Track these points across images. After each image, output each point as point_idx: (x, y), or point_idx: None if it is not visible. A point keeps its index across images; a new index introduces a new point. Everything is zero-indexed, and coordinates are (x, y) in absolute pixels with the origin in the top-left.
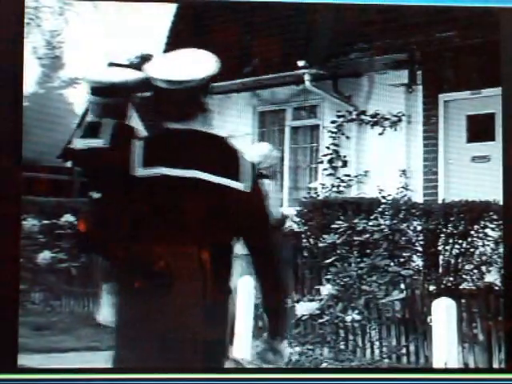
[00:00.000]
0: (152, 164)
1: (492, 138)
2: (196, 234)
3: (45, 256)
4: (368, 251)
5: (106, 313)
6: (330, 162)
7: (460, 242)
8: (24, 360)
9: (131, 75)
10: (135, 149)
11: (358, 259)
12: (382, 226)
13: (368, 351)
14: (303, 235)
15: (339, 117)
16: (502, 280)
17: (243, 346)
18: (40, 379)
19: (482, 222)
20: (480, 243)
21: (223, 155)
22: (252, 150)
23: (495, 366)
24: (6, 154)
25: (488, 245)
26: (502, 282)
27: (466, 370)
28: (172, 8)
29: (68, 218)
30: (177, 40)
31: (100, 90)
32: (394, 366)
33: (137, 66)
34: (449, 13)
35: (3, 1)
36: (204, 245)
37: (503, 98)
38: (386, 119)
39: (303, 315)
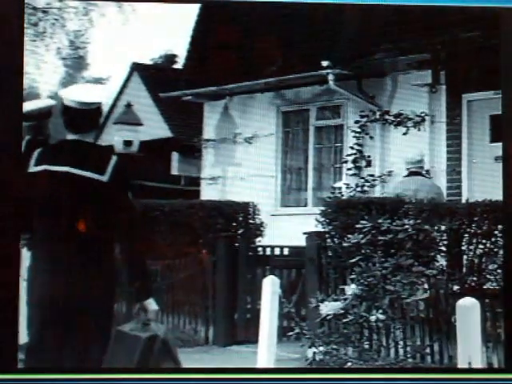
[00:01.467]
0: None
1: None
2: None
3: None
4: (392, 251)
5: None
6: (354, 161)
7: (484, 241)
8: None
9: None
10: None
11: (383, 259)
12: (406, 226)
13: (392, 351)
14: (327, 235)
15: (363, 117)
16: (502, 280)
17: (268, 346)
18: (40, 379)
19: None
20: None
21: (93, 156)
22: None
23: None
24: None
25: None
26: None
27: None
28: (195, 9)
29: None
30: (200, 40)
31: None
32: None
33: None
34: (472, 13)
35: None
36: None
37: (503, 99)
38: (410, 119)
39: (328, 315)
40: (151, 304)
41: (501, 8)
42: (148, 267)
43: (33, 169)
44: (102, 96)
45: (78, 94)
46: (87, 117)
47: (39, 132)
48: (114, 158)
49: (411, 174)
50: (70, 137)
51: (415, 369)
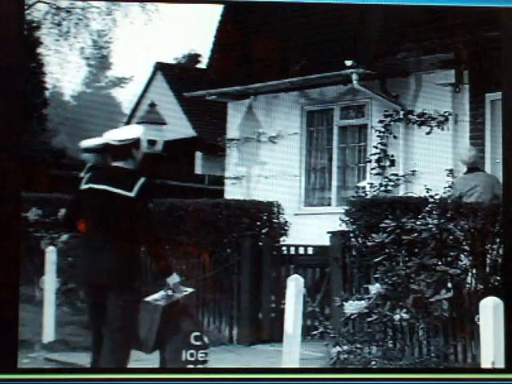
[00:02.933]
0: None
1: None
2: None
3: None
4: (416, 250)
5: None
6: (378, 161)
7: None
8: None
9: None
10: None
11: (406, 258)
12: (430, 225)
13: (416, 350)
14: (351, 234)
15: (386, 116)
16: (502, 281)
17: (293, 344)
18: (40, 379)
19: None
20: None
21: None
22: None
23: None
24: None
25: None
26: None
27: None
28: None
29: None
30: (224, 40)
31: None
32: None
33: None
34: (494, 12)
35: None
36: None
37: (504, 99)
38: (433, 119)
39: (352, 314)
40: (174, 278)
41: (501, 8)
42: (167, 254)
43: (83, 187)
44: (134, 134)
45: (116, 135)
46: (124, 150)
47: (101, 161)
48: (141, 179)
49: (470, 170)
50: (114, 163)
51: (438, 369)
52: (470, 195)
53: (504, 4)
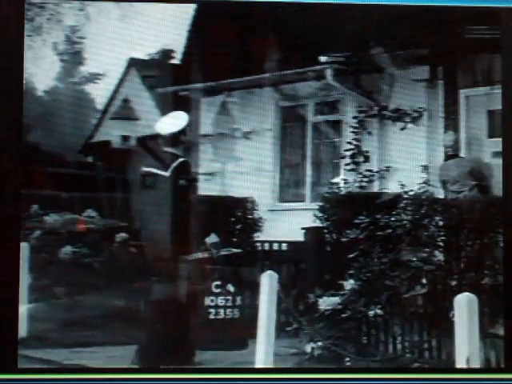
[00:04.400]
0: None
1: None
2: None
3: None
4: (391, 246)
5: None
6: (352, 157)
7: (481, 236)
8: None
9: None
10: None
11: (381, 254)
12: (404, 222)
13: (390, 346)
14: (326, 230)
15: (361, 112)
16: (503, 280)
17: (267, 341)
18: (40, 379)
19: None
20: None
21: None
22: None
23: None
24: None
25: None
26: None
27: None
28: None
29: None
30: (194, 38)
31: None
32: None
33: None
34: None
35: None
36: None
37: (504, 99)
38: (408, 114)
39: (326, 310)
40: (211, 238)
41: (501, 8)
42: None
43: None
44: (180, 125)
45: (165, 127)
46: (173, 138)
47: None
48: (177, 161)
49: (451, 156)
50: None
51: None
52: (454, 183)
53: (504, 4)
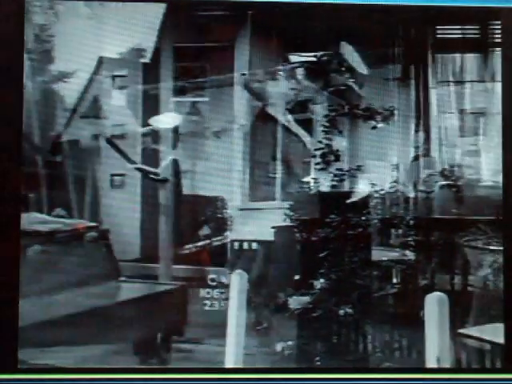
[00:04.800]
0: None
1: (484, 133)
2: None
3: None
4: (361, 245)
5: None
6: (323, 156)
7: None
8: None
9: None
10: None
11: (352, 253)
12: (375, 221)
13: (361, 346)
14: (296, 229)
15: (331, 111)
16: (503, 280)
17: (236, 342)
18: (40, 379)
19: None
20: None
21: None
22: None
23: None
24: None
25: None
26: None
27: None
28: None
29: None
30: (168, 35)
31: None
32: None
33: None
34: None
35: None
36: None
37: (504, 98)
38: (379, 113)
39: (296, 309)
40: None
41: (501, 8)
42: None
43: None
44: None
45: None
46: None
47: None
48: (168, 159)
49: (417, 157)
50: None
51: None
52: (425, 181)
53: (504, 4)
